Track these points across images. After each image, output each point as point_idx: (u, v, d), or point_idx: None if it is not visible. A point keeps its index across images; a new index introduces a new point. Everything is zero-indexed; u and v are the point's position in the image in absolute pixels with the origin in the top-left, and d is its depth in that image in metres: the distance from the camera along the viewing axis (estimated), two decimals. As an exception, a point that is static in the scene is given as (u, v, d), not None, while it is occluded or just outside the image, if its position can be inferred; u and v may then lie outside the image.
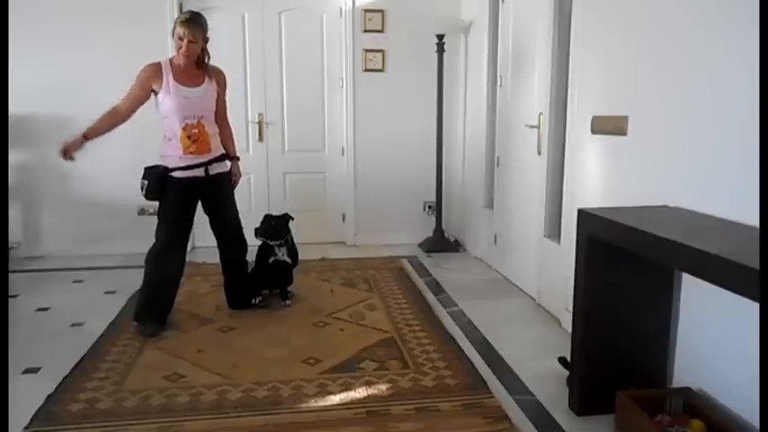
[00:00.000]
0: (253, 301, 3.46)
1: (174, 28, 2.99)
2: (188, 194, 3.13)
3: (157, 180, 3.03)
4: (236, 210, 3.35)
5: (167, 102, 3.00)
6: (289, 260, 3.52)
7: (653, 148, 2.43)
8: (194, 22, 2.98)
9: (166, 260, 3.10)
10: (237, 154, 3.38)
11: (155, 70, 3.01)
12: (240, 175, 3.38)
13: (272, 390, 2.48)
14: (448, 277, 4.19)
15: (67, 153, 2.94)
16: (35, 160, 4.60)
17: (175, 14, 4.55)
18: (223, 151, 3.24)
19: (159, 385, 2.52)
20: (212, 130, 3.15)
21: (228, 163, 3.28)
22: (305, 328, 3.20)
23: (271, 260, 3.47)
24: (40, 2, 4.42)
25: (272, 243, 3.46)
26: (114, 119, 3.02)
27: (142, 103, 3.04)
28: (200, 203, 3.24)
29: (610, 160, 2.77)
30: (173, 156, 3.05)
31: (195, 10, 3.19)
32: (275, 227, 3.46)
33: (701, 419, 2.00)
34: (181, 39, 2.94)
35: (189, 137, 3.02)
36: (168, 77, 2.99)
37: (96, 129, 3.00)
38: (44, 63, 4.47)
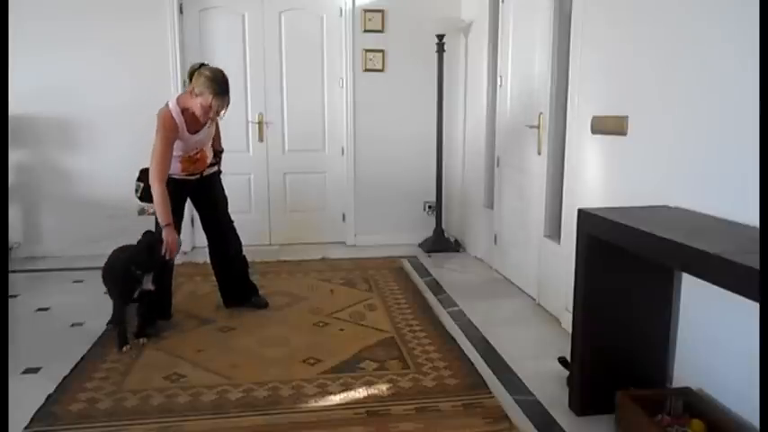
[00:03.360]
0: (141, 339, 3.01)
1: (203, 92, 2.85)
2: (181, 194, 3.19)
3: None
4: (227, 208, 3.39)
5: (178, 144, 2.99)
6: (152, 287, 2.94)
7: (653, 147, 2.43)
8: (228, 93, 2.93)
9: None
10: (223, 147, 3.40)
11: (174, 128, 2.92)
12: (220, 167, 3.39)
13: (272, 390, 2.48)
14: (448, 277, 4.19)
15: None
16: (35, 160, 4.61)
17: (175, 13, 4.59)
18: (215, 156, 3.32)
19: (159, 385, 2.52)
20: (209, 148, 3.22)
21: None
22: (305, 328, 3.20)
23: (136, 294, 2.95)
24: (39, 1, 4.42)
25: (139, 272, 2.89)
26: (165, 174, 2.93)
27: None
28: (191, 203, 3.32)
29: (610, 160, 2.77)
30: (171, 170, 3.07)
31: (215, 67, 2.96)
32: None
33: (700, 419, 2.00)
34: (217, 112, 2.94)
35: (189, 159, 3.10)
36: (183, 131, 2.97)
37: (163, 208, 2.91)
38: (44, 63, 4.47)
